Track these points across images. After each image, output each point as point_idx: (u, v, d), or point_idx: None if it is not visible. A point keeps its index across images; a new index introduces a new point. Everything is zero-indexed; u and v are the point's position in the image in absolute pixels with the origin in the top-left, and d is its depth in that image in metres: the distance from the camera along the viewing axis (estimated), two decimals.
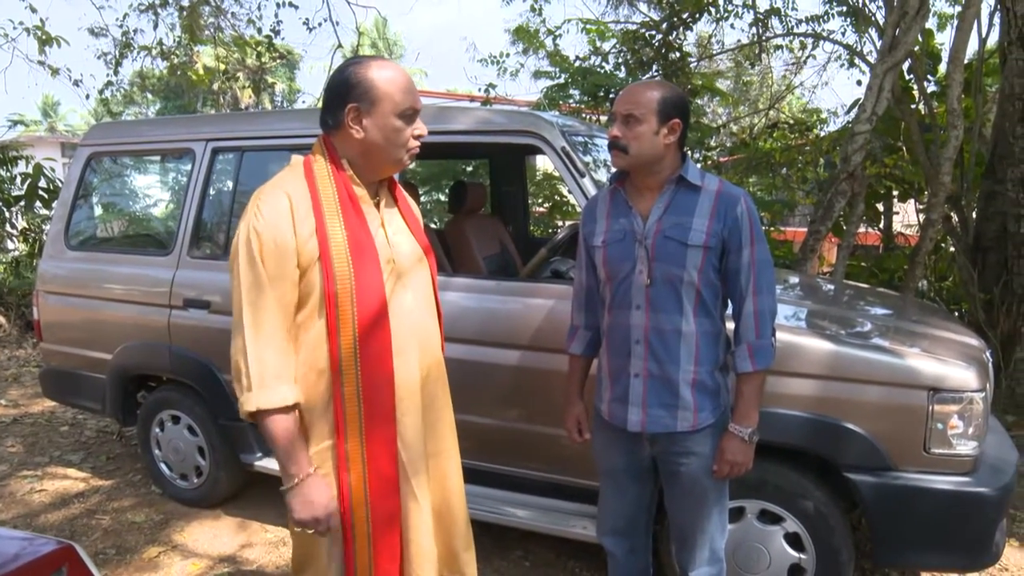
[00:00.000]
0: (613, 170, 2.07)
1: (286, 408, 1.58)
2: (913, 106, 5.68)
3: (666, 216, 1.93)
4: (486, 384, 2.80)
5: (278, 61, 9.41)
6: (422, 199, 6.93)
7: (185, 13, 9.01)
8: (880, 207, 7.39)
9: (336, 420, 1.62)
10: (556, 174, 7.41)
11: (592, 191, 2.65)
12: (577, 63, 7.30)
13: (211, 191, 3.50)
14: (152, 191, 4.19)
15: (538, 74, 8.57)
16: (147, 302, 3.53)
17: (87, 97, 9.82)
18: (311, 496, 1.60)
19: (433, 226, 4.04)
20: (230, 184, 3.47)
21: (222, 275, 3.34)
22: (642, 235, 1.94)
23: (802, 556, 2.48)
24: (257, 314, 1.58)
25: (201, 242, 3.50)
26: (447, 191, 4.31)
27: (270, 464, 3.28)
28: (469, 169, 6.78)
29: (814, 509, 2.42)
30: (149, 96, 30.62)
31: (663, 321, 1.93)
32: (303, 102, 27.58)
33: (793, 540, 2.48)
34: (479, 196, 4.12)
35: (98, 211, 4.07)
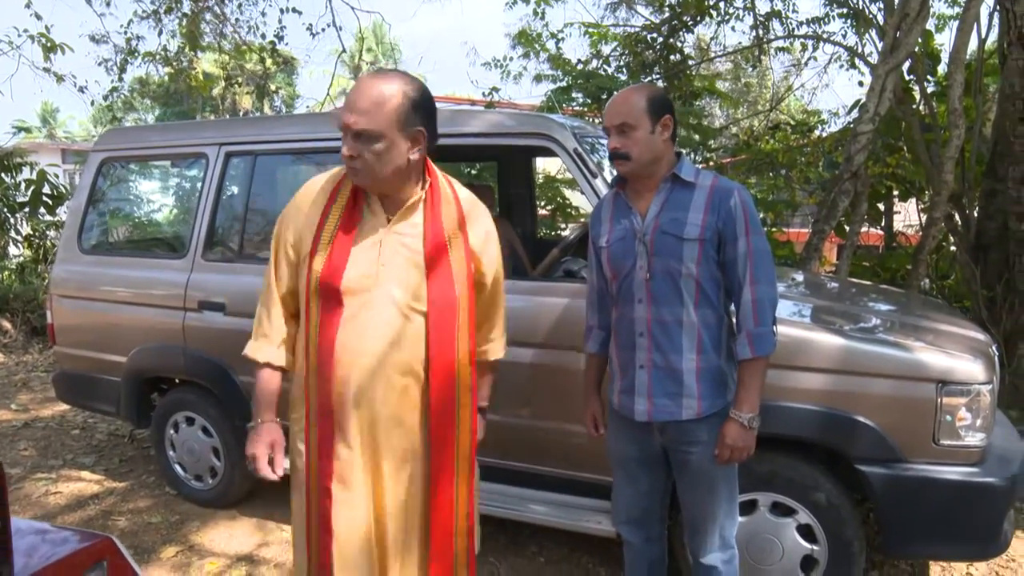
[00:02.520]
0: (614, 173, 2.13)
1: (268, 365, 1.86)
2: (914, 106, 5.73)
3: (663, 213, 2.00)
4: (500, 382, 2.84)
5: (281, 67, 9.43)
6: None
7: (186, 20, 9.07)
8: (881, 207, 7.46)
9: (304, 397, 1.82)
10: (559, 176, 7.47)
11: (604, 191, 2.70)
12: (579, 66, 7.35)
13: (224, 195, 3.54)
14: (165, 195, 4.24)
15: (539, 77, 8.64)
16: (162, 305, 3.58)
17: (92, 103, 9.90)
18: (256, 436, 1.87)
19: None
20: (243, 188, 3.52)
21: (236, 277, 3.39)
22: (641, 232, 2.02)
23: (814, 547, 2.52)
24: (270, 281, 1.86)
25: (215, 245, 3.54)
26: None
27: (284, 463, 3.32)
28: (473, 172, 6.83)
29: (826, 501, 2.47)
30: (148, 102, 30.74)
31: (664, 313, 2.00)
32: (307, 107, 27.65)
33: (805, 532, 2.52)
34: (487, 198, 4.15)
35: (111, 215, 4.11)
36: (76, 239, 3.91)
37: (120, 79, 9.30)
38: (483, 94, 7.81)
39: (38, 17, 8.25)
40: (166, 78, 13.32)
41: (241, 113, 28.22)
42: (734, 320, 2.05)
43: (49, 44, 8.48)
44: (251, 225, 3.50)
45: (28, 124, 32.91)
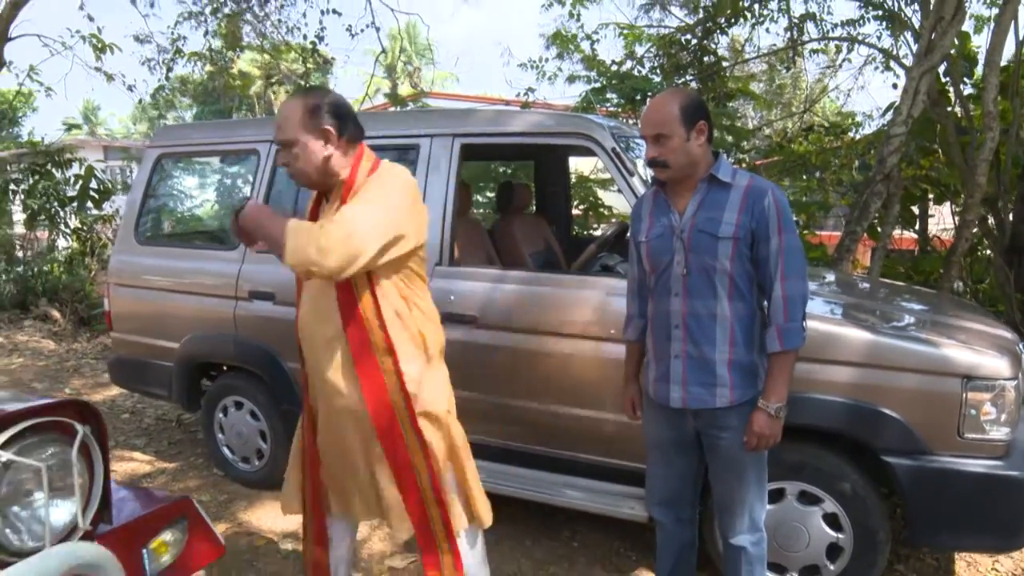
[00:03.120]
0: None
1: None
2: (949, 109, 5.73)
3: (700, 212, 2.11)
4: (539, 371, 2.97)
5: (320, 67, 9.62)
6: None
7: (227, 21, 9.32)
8: (916, 210, 7.43)
9: None
10: (591, 176, 7.56)
11: (640, 189, 2.81)
12: (613, 67, 7.44)
13: (275, 188, 3.71)
14: (217, 189, 4.42)
15: (572, 78, 8.74)
16: (213, 294, 3.75)
17: (139, 102, 10.22)
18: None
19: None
20: (293, 183, 3.67)
21: (286, 270, 3.54)
22: (679, 230, 2.13)
23: (840, 536, 2.61)
24: None
25: None
26: (495, 192, 4.49)
27: None
28: (508, 171, 6.95)
29: (852, 491, 2.55)
30: (186, 101, 31.36)
31: (699, 307, 2.11)
32: None
33: (831, 520, 2.61)
34: (525, 196, 4.30)
35: (166, 208, 4.31)
36: (133, 231, 4.12)
37: (167, 78, 9.59)
38: (517, 94, 7.93)
39: (90, 19, 8.55)
40: (206, 77, 13.62)
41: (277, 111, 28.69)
42: (766, 314, 2.15)
43: (100, 45, 8.81)
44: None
45: (77, 121, 33.78)
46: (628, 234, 2.39)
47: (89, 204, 9.59)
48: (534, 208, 4.79)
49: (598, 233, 6.31)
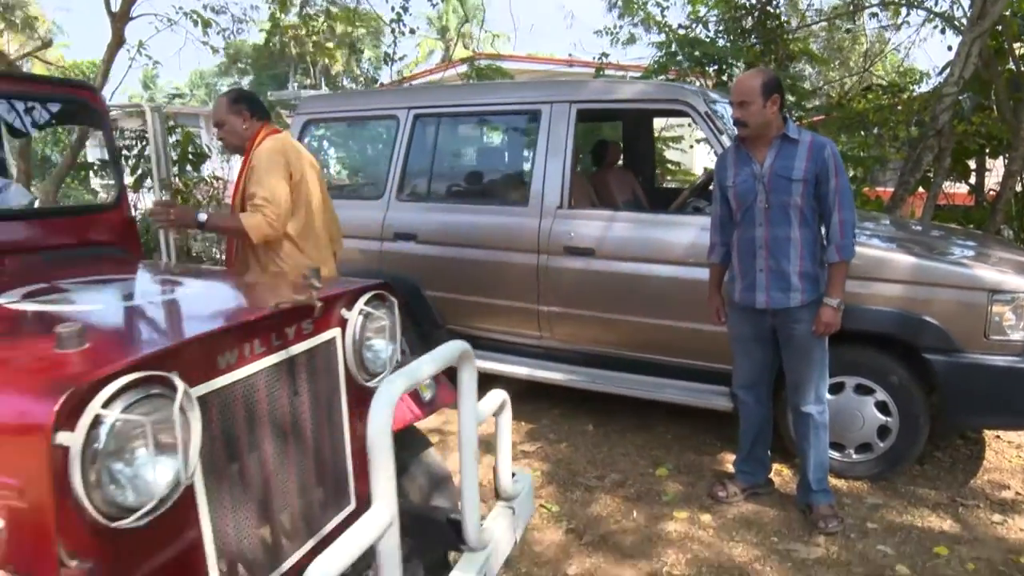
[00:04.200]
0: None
1: None
2: (1001, 68, 6.18)
3: (776, 161, 2.82)
4: (645, 291, 3.69)
5: (404, 35, 10.23)
6: None
7: None
8: (972, 164, 7.86)
9: None
10: (659, 135, 8.17)
11: (727, 144, 3.48)
12: (682, 31, 7.98)
13: (413, 148, 4.45)
14: (357, 150, 5.18)
15: (632, 38, 9.30)
16: (364, 236, 4.54)
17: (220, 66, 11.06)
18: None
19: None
20: (429, 143, 4.43)
21: (425, 214, 4.32)
22: (761, 175, 2.83)
23: (888, 419, 3.30)
24: None
25: (406, 188, 4.47)
26: (589, 150, 5.20)
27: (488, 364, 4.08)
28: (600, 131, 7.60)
29: (899, 382, 3.24)
30: (243, 65, 32.48)
31: (777, 232, 2.84)
32: (397, 71, 28.64)
33: (882, 407, 3.30)
34: (616, 153, 5.00)
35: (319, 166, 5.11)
36: None
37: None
38: (593, 57, 8.56)
39: None
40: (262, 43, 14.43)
41: (335, 75, 29.63)
42: (824, 236, 2.85)
43: (204, 21, 9.64)
44: (436, 172, 4.43)
45: (183, 91, 35.43)
46: (712, 180, 3.10)
47: (188, 167, 10.54)
48: (621, 162, 5.47)
49: (672, 185, 6.96)
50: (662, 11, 8.06)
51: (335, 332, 1.93)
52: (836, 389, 3.34)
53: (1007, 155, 7.38)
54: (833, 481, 3.31)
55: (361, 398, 1.99)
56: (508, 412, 2.10)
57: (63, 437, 1.14)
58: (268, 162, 2.91)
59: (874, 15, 8.45)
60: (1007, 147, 7.21)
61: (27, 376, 1.27)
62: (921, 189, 6.61)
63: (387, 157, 4.52)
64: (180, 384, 1.30)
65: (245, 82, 33.49)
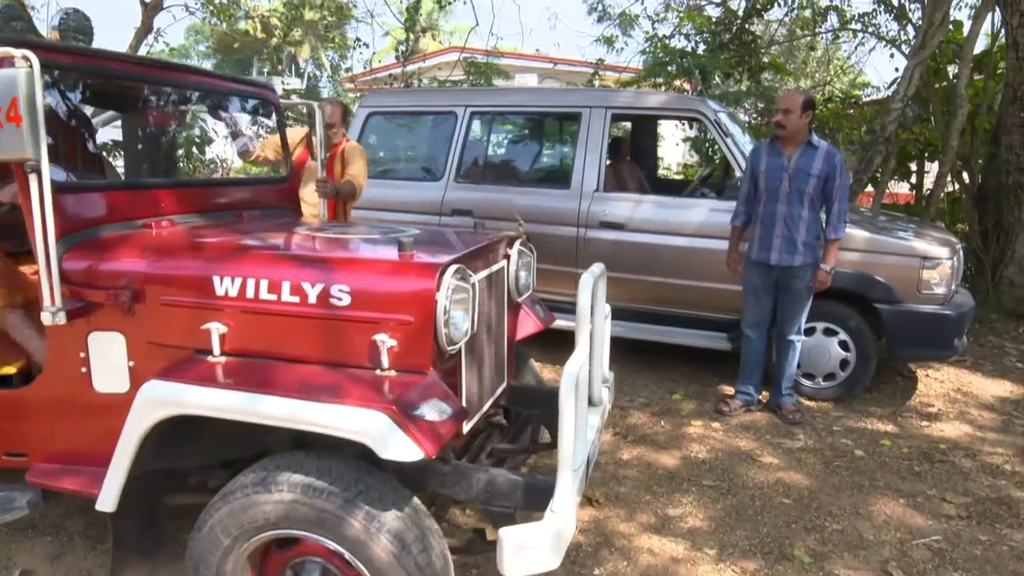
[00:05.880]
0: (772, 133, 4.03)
1: None
2: (937, 86, 7.44)
3: (800, 160, 3.93)
4: (666, 257, 4.74)
5: (423, 33, 11.12)
6: None
7: None
8: (913, 167, 9.18)
9: None
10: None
11: (736, 148, 4.56)
12: (669, 43, 9.11)
13: (470, 139, 5.42)
14: (416, 140, 6.11)
15: (608, 42, 10.46)
16: (424, 211, 5.49)
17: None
18: None
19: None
20: (483, 136, 5.42)
21: (479, 193, 5.30)
22: (787, 167, 3.93)
23: (848, 355, 4.43)
24: None
25: (463, 172, 5.43)
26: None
27: None
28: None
29: (856, 326, 4.36)
30: (204, 49, 32.72)
31: (793, 211, 3.94)
32: (362, 55, 29.08)
33: (843, 345, 4.43)
34: (627, 148, 6.07)
35: (377, 152, 6.01)
36: None
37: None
38: (593, 62, 9.72)
39: None
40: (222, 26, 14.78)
41: (302, 61, 30.15)
42: (824, 218, 3.95)
43: (219, 11, 10.36)
44: (490, 160, 5.42)
45: None
46: (744, 167, 4.17)
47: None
48: (630, 158, 6.53)
49: (678, 177, 8.05)
50: (653, 24, 9.17)
51: (504, 263, 2.92)
52: (809, 332, 4.44)
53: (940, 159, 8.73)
54: (806, 403, 4.45)
55: (514, 308, 3.00)
56: (609, 323, 3.12)
57: (437, 294, 2.11)
58: (360, 154, 4.59)
59: (836, 38, 9.73)
60: (941, 152, 8.54)
61: (400, 266, 2.20)
62: (870, 188, 7.87)
63: (446, 146, 5.48)
64: (472, 275, 2.29)
65: (207, 65, 33.66)
